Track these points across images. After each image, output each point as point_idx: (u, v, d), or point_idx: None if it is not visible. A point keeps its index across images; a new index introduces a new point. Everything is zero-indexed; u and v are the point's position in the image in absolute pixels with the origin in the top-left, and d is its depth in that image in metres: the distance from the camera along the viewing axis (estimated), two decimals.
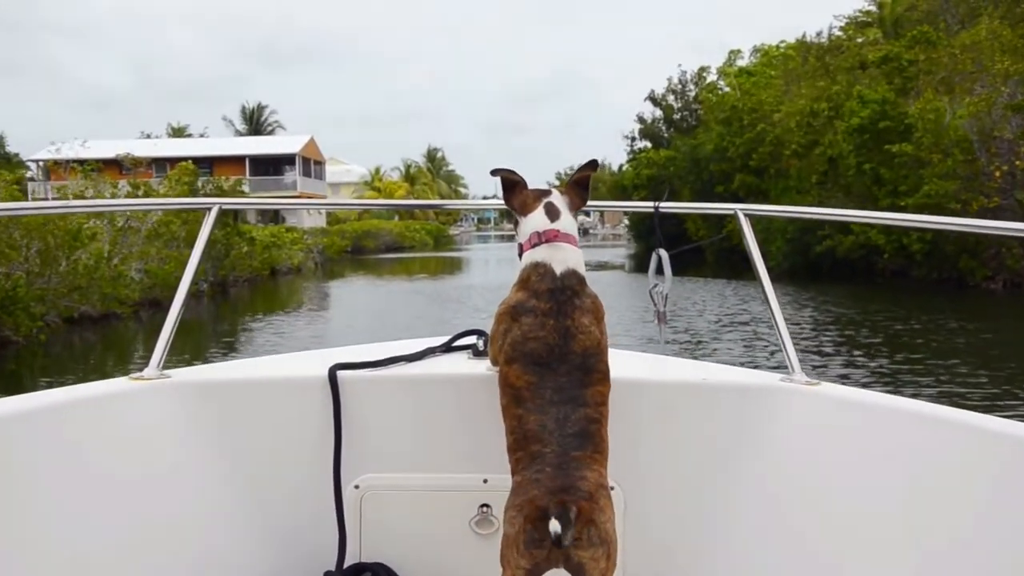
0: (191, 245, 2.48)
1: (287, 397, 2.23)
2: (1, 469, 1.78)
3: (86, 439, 1.98)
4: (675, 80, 53.89)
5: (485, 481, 2.16)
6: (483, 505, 2.18)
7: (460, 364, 2.32)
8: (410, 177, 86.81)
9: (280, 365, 2.48)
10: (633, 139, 54.89)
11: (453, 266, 44.18)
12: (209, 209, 2.43)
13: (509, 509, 1.66)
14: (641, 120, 54.61)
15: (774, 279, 2.47)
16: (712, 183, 41.05)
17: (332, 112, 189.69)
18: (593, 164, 2.08)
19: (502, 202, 2.08)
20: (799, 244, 29.14)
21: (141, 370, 2.21)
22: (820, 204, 27.66)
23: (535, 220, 1.96)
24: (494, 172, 2.05)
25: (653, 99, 54.30)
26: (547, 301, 1.82)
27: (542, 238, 1.91)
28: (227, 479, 2.17)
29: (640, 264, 40.85)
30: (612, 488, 1.86)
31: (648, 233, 48.50)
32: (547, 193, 2.02)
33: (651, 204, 2.47)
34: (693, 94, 53.28)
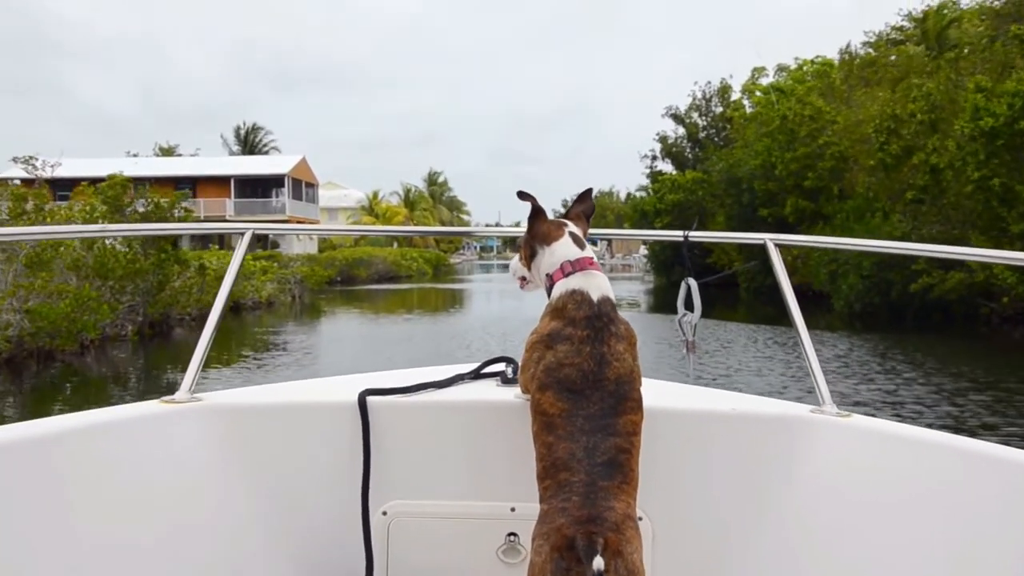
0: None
1: (317, 422, 2.22)
2: (33, 490, 1.79)
3: (117, 461, 1.98)
4: (699, 95, 48.55)
5: (513, 509, 2.14)
6: (510, 534, 2.17)
7: (489, 391, 2.30)
8: (410, 202, 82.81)
9: (311, 390, 2.44)
10: (653, 158, 49.30)
11: (454, 300, 38.62)
12: (242, 234, 2.44)
13: (536, 537, 1.64)
14: (663, 139, 49.08)
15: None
16: (754, 207, 35.53)
17: (337, 137, 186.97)
18: (588, 193, 2.17)
19: (512, 229, 2.38)
20: (878, 281, 23.40)
21: (172, 393, 2.21)
22: (912, 230, 22.04)
23: (564, 249, 1.97)
24: (522, 195, 2.04)
25: (675, 116, 48.86)
26: (584, 328, 1.82)
27: (575, 266, 1.93)
28: (256, 503, 2.17)
29: (662, 301, 35.67)
30: (641, 518, 1.93)
31: (670, 265, 43.20)
32: (565, 223, 2.04)
33: (680, 233, 2.47)
34: (719, 111, 47.96)
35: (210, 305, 2.24)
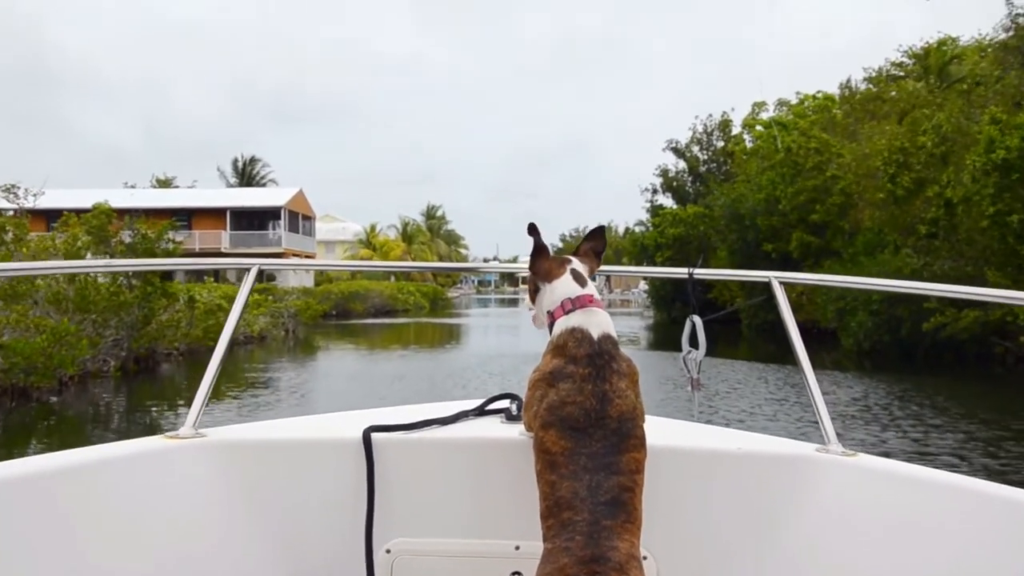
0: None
1: (321, 458, 2.21)
2: (38, 525, 1.79)
3: (122, 497, 1.98)
4: (699, 128, 48.15)
5: (517, 548, 2.13)
6: (515, 572, 2.14)
7: (493, 428, 2.29)
8: (407, 236, 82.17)
9: (315, 426, 2.45)
10: (654, 192, 48.77)
11: (451, 336, 37.85)
12: (248, 269, 2.46)
13: None
14: (663, 173, 48.58)
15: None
16: (758, 242, 34.89)
17: (336, 172, 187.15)
18: (600, 231, 2.16)
19: (514, 265, 2.49)
20: (887, 318, 22.64)
21: (176, 429, 2.23)
22: (924, 266, 21.33)
23: (565, 287, 1.97)
24: (530, 231, 2.03)
25: (676, 149, 48.42)
26: (585, 366, 1.81)
27: (576, 304, 1.93)
28: (260, 539, 2.16)
29: (663, 338, 34.94)
30: (645, 557, 1.91)
31: (671, 301, 42.47)
32: (568, 260, 2.04)
33: (684, 270, 2.47)
34: (720, 144, 47.54)
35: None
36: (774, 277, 2.42)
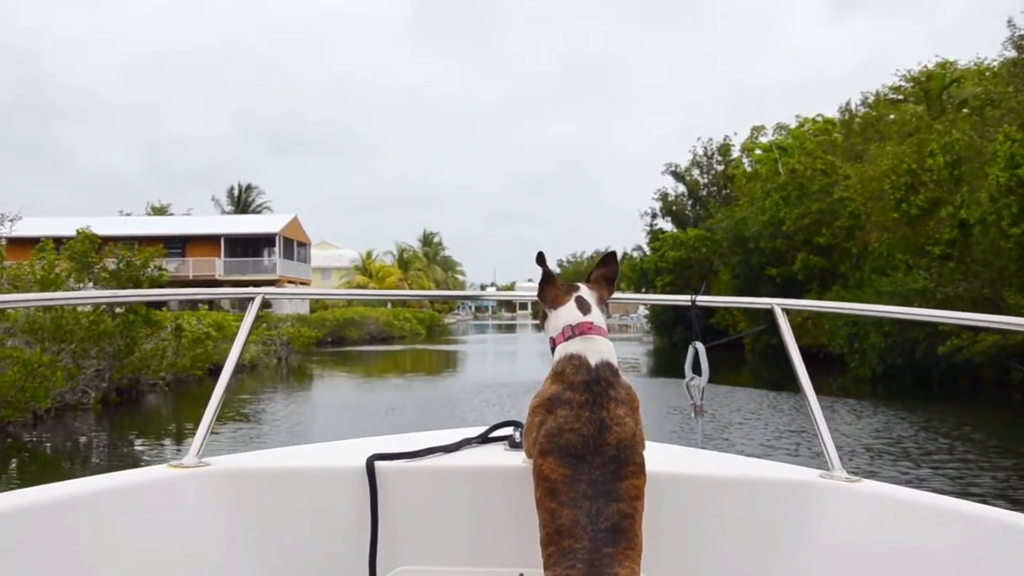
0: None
1: (325, 487, 2.21)
2: (39, 556, 1.79)
3: (125, 526, 1.98)
4: (699, 152, 47.60)
5: (521, 575, 2.11)
6: None
7: (497, 456, 2.30)
8: (404, 262, 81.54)
9: (318, 454, 2.45)
10: (653, 216, 48.09)
11: (447, 363, 36.99)
12: (252, 299, 2.49)
13: None
14: (663, 197, 47.96)
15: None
16: (761, 265, 34.16)
17: (333, 199, 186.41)
18: (612, 257, 2.15)
19: (514, 294, 2.53)
20: (900, 340, 21.84)
21: (181, 457, 2.22)
22: (937, 287, 20.56)
23: (567, 313, 1.98)
24: (539, 260, 2.04)
25: (675, 173, 47.86)
26: (582, 393, 1.82)
27: (575, 331, 1.94)
28: (264, 567, 2.16)
29: (663, 364, 34.14)
30: None
31: (672, 326, 41.73)
32: (576, 288, 2.05)
33: (687, 297, 2.49)
34: (721, 168, 46.98)
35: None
36: (776, 304, 2.42)
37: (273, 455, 2.44)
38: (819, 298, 29.58)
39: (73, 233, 19.62)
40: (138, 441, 15.77)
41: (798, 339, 2.41)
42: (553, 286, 2.05)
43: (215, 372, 26.30)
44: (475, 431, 2.48)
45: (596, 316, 1.98)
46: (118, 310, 18.27)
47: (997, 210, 18.17)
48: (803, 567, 2.09)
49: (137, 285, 18.60)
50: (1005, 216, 17.93)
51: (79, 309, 16.82)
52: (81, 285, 17.89)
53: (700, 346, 2.40)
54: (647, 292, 45.91)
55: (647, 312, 51.84)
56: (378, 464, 2.16)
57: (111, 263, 20.14)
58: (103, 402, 18.27)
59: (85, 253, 18.74)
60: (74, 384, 16.93)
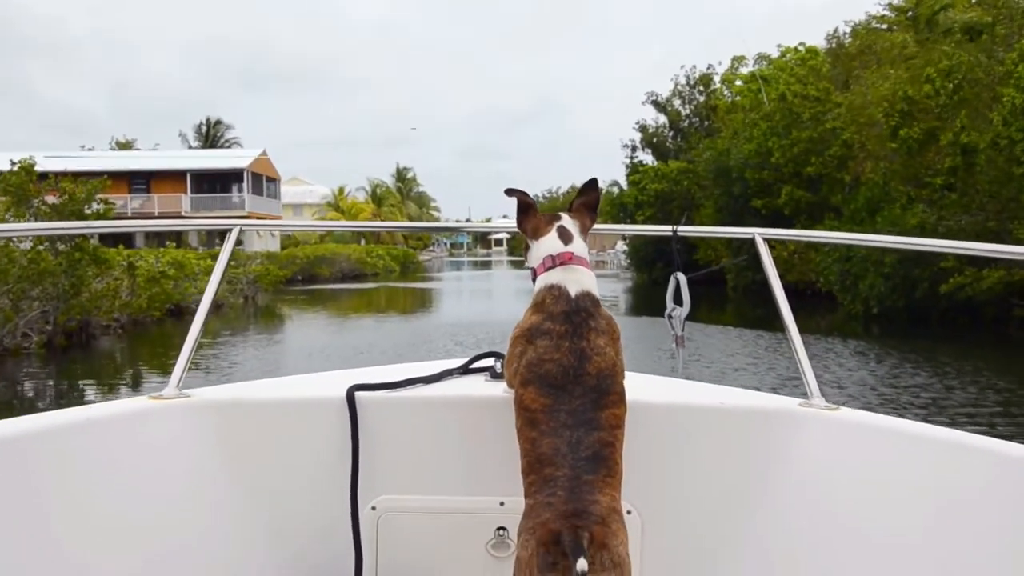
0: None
1: (305, 418, 2.22)
2: (18, 486, 1.79)
3: (104, 457, 1.98)
4: (681, 81, 45.90)
5: (502, 504, 2.14)
6: (500, 528, 2.17)
7: (477, 386, 2.30)
8: (377, 198, 79.76)
9: (299, 385, 2.45)
10: (633, 148, 46.51)
11: (422, 302, 35.78)
12: (229, 230, 2.47)
13: (522, 532, 1.65)
14: (643, 128, 46.32)
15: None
16: (746, 197, 32.94)
17: (305, 136, 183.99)
18: (594, 183, 2.11)
19: (493, 225, 2.41)
20: (901, 281, 20.73)
21: (161, 389, 2.22)
22: (939, 221, 19.45)
23: (548, 244, 1.98)
24: (509, 192, 2.05)
25: (656, 103, 46.17)
26: (562, 323, 1.82)
27: (556, 261, 1.93)
28: (244, 499, 2.17)
29: (644, 301, 33.04)
30: (629, 512, 2.03)
31: (652, 262, 40.55)
32: (558, 217, 2.04)
33: (668, 228, 2.51)
34: (703, 99, 45.38)
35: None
36: (758, 234, 2.43)
37: (254, 386, 2.42)
38: None
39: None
40: (88, 385, 14.60)
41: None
42: (533, 216, 2.04)
43: (176, 313, 25.12)
44: (456, 362, 2.46)
45: (578, 246, 1.97)
46: (61, 247, 16.79)
47: (1010, 134, 16.90)
48: (783, 494, 2.12)
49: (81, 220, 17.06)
50: (1020, 140, 16.67)
51: (15, 245, 15.33)
52: (18, 220, 16.32)
53: (681, 276, 2.40)
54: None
55: (626, 248, 50.61)
56: (359, 395, 2.15)
57: (51, 198, 18.52)
58: (47, 346, 16.91)
59: (22, 186, 17.09)
60: (12, 327, 15.51)
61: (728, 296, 33.52)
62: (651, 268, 40.82)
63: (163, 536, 2.00)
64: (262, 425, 2.20)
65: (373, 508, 2.17)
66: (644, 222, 39.58)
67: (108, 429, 2.01)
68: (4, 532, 1.71)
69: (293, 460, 2.19)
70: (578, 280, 1.89)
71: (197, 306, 2.31)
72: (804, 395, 2.27)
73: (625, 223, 43.66)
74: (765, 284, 2.40)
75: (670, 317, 2.42)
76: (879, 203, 22.74)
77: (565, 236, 1.98)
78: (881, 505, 1.97)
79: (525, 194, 2.03)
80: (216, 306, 20.96)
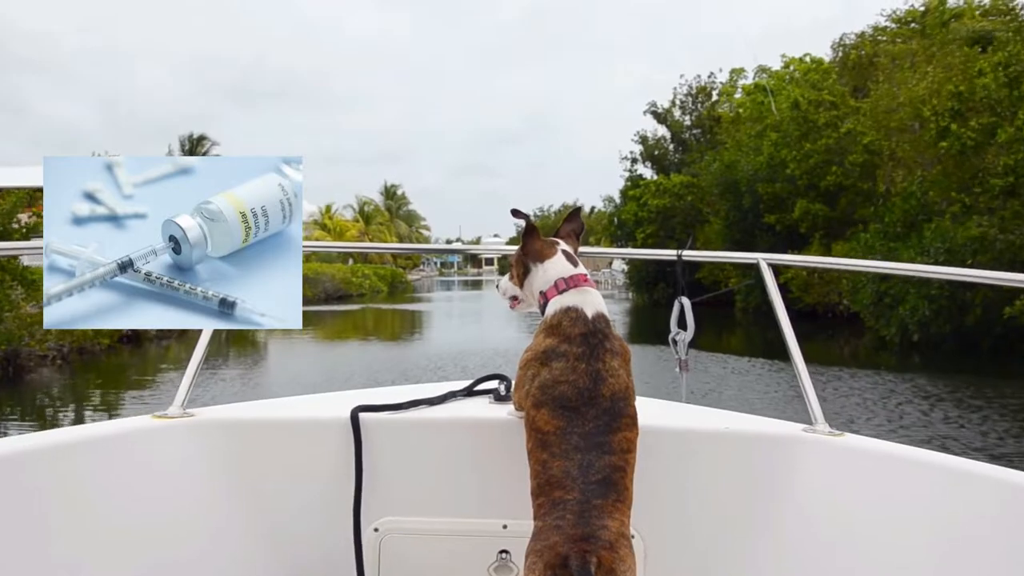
0: None
1: (309, 438, 2.21)
2: (23, 504, 1.80)
3: (108, 476, 1.98)
4: (682, 91, 43.69)
5: (505, 527, 2.13)
6: (502, 551, 2.15)
7: (482, 408, 2.29)
8: (365, 216, 77.34)
9: (303, 406, 2.41)
10: (633, 161, 44.17)
11: (411, 324, 33.34)
12: None
13: (530, 555, 1.62)
14: (643, 139, 44.03)
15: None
16: (757, 212, 30.63)
17: (296, 152, 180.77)
18: (578, 212, 2.14)
19: (492, 243, 1.61)
20: (947, 303, 18.26)
21: (165, 408, 2.22)
22: (996, 238, 17.06)
23: (558, 266, 1.97)
24: (515, 213, 2.05)
25: (655, 113, 43.91)
26: (580, 345, 1.80)
27: (569, 283, 1.93)
28: (247, 518, 2.16)
29: (645, 325, 30.76)
30: (633, 536, 1.84)
31: (653, 282, 38.22)
32: (557, 242, 2.04)
33: (673, 252, 2.53)
34: (706, 109, 43.17)
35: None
36: (762, 259, 2.43)
37: (258, 406, 2.40)
38: (825, 252, 26.20)
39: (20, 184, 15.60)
40: (13, 424, 12.22)
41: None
42: (537, 238, 2.02)
43: (132, 340, 22.54)
44: (460, 384, 2.45)
45: (583, 269, 1.97)
46: None
47: None
48: (786, 519, 2.11)
49: (5, 237, 14.53)
50: None
51: None
52: None
53: (686, 301, 2.42)
54: (625, 246, 42.87)
55: (624, 267, 48.20)
56: (363, 416, 2.14)
57: None
58: None
59: None
60: None
61: (736, 319, 31.16)
62: (652, 289, 38.48)
63: (166, 554, 2.00)
64: (266, 445, 2.19)
65: (376, 529, 2.16)
66: (645, 240, 37.37)
67: (112, 448, 2.01)
68: (7, 550, 1.72)
69: (297, 480, 2.18)
70: (593, 302, 1.88)
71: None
72: (808, 420, 2.25)
73: (623, 242, 41.57)
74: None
75: (674, 341, 2.47)
76: (917, 215, 20.30)
77: (571, 259, 1.98)
78: (886, 532, 1.95)
79: (529, 216, 2.01)
80: (179, 332, 18.38)
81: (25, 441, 1.88)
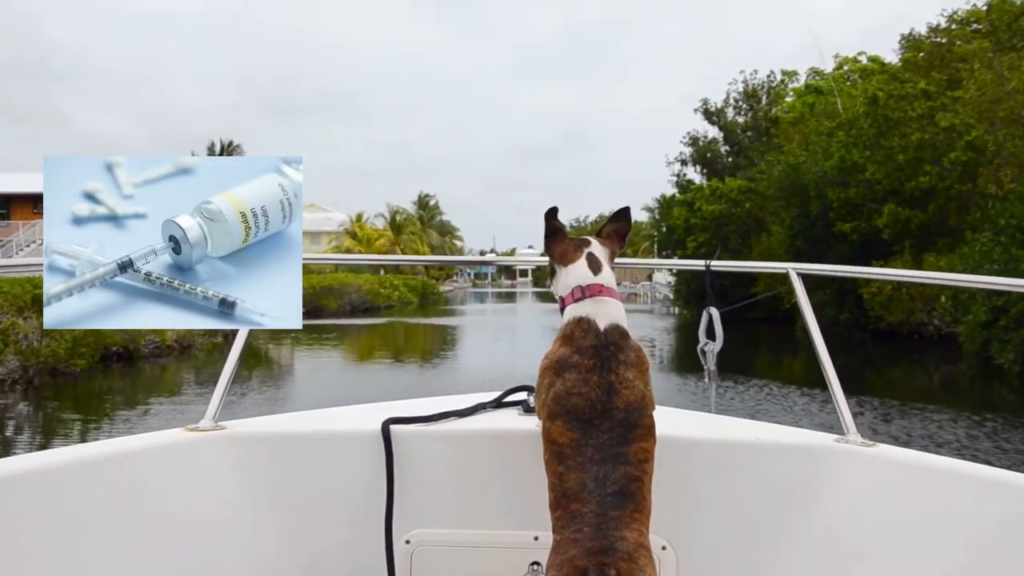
0: None
1: (340, 450, 2.22)
2: (56, 517, 1.81)
3: (140, 489, 2.00)
4: (738, 90, 40.44)
5: (536, 539, 2.13)
6: (533, 563, 2.14)
7: (511, 420, 2.30)
8: (396, 226, 74.95)
9: (334, 418, 2.42)
10: (683, 163, 40.91)
11: (441, 340, 30.47)
12: None
13: (549, 568, 1.63)
14: (694, 141, 40.79)
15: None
16: (827, 220, 27.32)
17: (331, 164, 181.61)
18: (626, 212, 2.09)
19: (526, 256, 1.69)
20: None
21: (196, 421, 2.22)
22: None
23: (578, 273, 1.94)
24: (549, 214, 2.01)
25: (707, 111, 40.69)
26: (590, 357, 1.80)
27: (585, 293, 1.90)
28: (279, 531, 2.17)
29: (692, 343, 27.47)
30: (664, 548, 2.06)
31: (703, 296, 34.94)
32: (587, 243, 1.99)
33: (701, 262, 2.57)
34: (764, 108, 39.90)
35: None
36: (791, 268, 2.44)
37: (289, 419, 2.41)
38: (915, 263, 22.82)
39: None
40: None
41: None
42: (561, 241, 2.00)
43: (123, 357, 19.94)
44: (489, 396, 2.46)
45: (606, 276, 1.94)
46: None
47: None
48: (818, 531, 2.09)
49: None
50: None
51: None
52: None
53: (714, 311, 2.44)
54: (672, 255, 39.77)
55: (670, 279, 44.91)
56: (393, 428, 2.15)
57: None
58: None
59: None
60: None
61: (798, 339, 27.73)
62: (701, 303, 35.20)
63: (197, 568, 2.00)
64: (297, 457, 2.20)
65: (407, 542, 2.17)
66: (696, 249, 34.27)
67: (143, 461, 2.02)
68: (41, 563, 1.74)
69: (328, 493, 2.19)
70: (607, 313, 1.86)
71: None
72: (841, 430, 2.25)
73: (671, 251, 38.45)
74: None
75: (703, 352, 2.49)
76: None
77: (594, 264, 1.94)
78: (920, 543, 1.94)
79: (554, 216, 1.98)
80: (179, 347, 15.91)
81: (58, 455, 1.90)
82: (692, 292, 37.28)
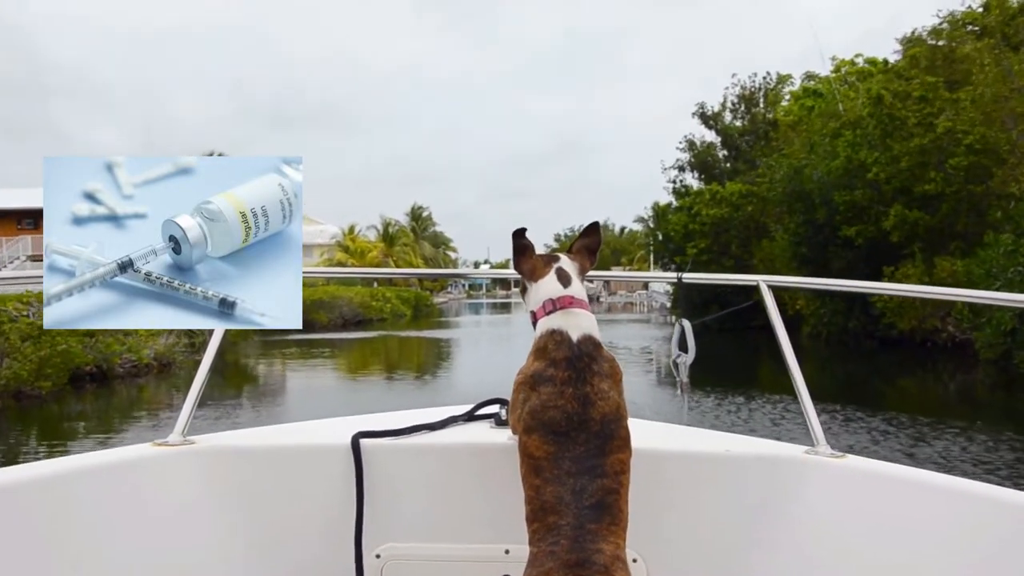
0: None
1: (310, 464, 2.20)
2: (22, 534, 1.79)
3: (108, 504, 1.97)
4: (735, 93, 39.58)
5: (507, 552, 2.11)
6: None
7: (482, 433, 2.29)
8: (389, 237, 74.06)
9: (304, 432, 2.40)
10: (680, 169, 39.93)
11: (433, 354, 29.47)
12: None
13: None
14: (690, 145, 39.85)
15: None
16: (832, 224, 26.39)
17: (327, 175, 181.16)
18: (595, 227, 2.10)
19: (507, 269, 2.27)
20: None
21: (165, 436, 2.19)
22: None
23: (547, 287, 1.95)
24: (516, 234, 2.02)
25: (704, 115, 39.79)
26: (565, 369, 1.79)
27: (556, 305, 1.91)
28: (248, 546, 2.14)
29: (699, 364, 26.49)
30: (635, 560, 2.03)
31: (705, 305, 33.96)
32: (556, 259, 2.01)
33: (674, 275, 2.65)
34: (762, 111, 39.05)
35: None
36: (762, 280, 2.44)
37: (258, 433, 2.39)
38: (927, 267, 21.89)
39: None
40: None
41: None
42: (530, 257, 2.01)
43: (97, 378, 18.92)
44: (461, 409, 2.44)
45: (576, 288, 1.95)
46: None
47: None
48: (789, 542, 2.09)
49: None
50: None
51: None
52: None
53: (687, 323, 2.46)
54: (671, 262, 38.82)
55: (668, 288, 43.95)
56: (363, 442, 2.13)
57: None
58: None
59: None
60: None
61: (804, 346, 26.76)
62: (703, 314, 34.24)
63: None
64: (267, 472, 2.17)
65: (377, 556, 2.15)
66: (697, 256, 33.30)
67: (112, 476, 1.99)
68: None
69: (298, 507, 2.17)
70: (579, 325, 1.86)
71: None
72: (810, 442, 2.25)
73: (669, 259, 37.46)
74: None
75: (675, 364, 2.49)
76: None
77: (564, 278, 1.95)
78: (889, 554, 1.93)
79: (522, 235, 1.99)
80: (158, 365, 7.13)
81: (24, 471, 1.86)
82: (691, 302, 36.28)
